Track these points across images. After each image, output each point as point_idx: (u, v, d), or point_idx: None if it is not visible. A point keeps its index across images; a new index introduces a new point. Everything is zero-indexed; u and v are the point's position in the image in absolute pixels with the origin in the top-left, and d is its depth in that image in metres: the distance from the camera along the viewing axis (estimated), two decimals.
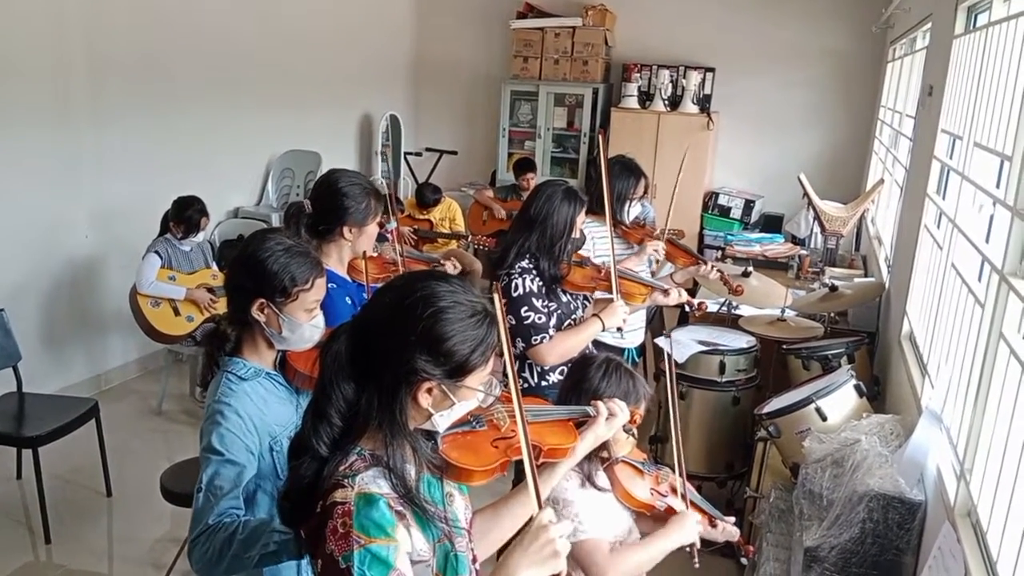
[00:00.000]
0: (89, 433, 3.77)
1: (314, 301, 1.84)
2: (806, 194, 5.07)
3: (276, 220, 5.90)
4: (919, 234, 3.15)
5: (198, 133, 5.48)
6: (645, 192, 3.66)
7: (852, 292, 3.86)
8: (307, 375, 1.88)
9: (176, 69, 5.26)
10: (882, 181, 4.96)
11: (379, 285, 2.74)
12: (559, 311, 2.90)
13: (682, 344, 3.74)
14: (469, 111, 8.09)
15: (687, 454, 3.76)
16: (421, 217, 6.43)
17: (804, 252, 5.33)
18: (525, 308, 2.79)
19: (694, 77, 7.03)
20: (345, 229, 2.37)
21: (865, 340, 3.57)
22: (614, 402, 1.78)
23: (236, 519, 1.68)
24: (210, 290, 4.50)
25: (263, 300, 1.79)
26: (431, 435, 1.41)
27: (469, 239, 6.32)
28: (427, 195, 6.36)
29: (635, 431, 2.04)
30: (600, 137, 3.17)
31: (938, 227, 3.09)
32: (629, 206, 3.59)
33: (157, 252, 4.38)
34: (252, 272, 1.79)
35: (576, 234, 2.98)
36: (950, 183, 3.07)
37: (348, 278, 2.48)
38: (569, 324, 2.91)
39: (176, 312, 4.39)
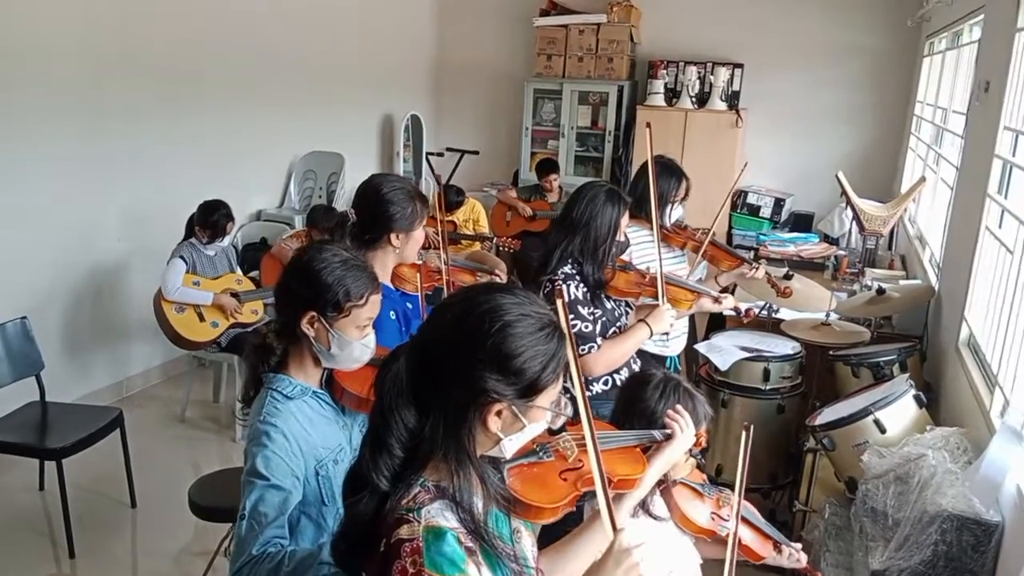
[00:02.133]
0: (113, 442, 3.68)
1: (367, 318, 1.73)
2: (844, 193, 4.92)
3: (299, 222, 5.81)
4: (979, 236, 3.00)
5: (221, 135, 5.40)
6: (686, 194, 3.53)
7: (900, 296, 3.71)
8: (356, 395, 1.77)
9: (203, 71, 5.17)
10: (923, 179, 4.80)
11: (428, 294, 2.64)
12: (604, 318, 2.78)
13: (724, 350, 3.61)
14: (491, 110, 7.97)
15: (727, 464, 3.67)
16: (446, 219, 6.32)
17: (842, 252, 5.18)
18: (571, 317, 2.67)
19: (722, 73, 6.88)
20: (392, 236, 2.26)
21: (917, 346, 3.42)
22: (680, 421, 1.66)
23: (281, 549, 1.57)
24: (235, 295, 4.40)
25: (314, 313, 1.68)
26: (496, 464, 1.30)
27: (494, 240, 6.22)
28: (451, 197, 6.25)
29: (700, 455, 1.91)
30: (648, 129, 3.02)
31: (1000, 227, 2.94)
32: (671, 209, 3.47)
33: (182, 257, 4.28)
34: (305, 283, 1.68)
35: (620, 237, 2.86)
36: (1012, 182, 2.92)
37: (392, 287, 2.36)
38: (614, 331, 2.79)
39: (201, 318, 4.29)
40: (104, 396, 4.74)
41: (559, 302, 1.50)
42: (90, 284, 4.63)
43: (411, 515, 1.16)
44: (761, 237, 5.80)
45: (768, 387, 3.54)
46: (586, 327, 2.67)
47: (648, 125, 3.05)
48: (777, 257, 5.27)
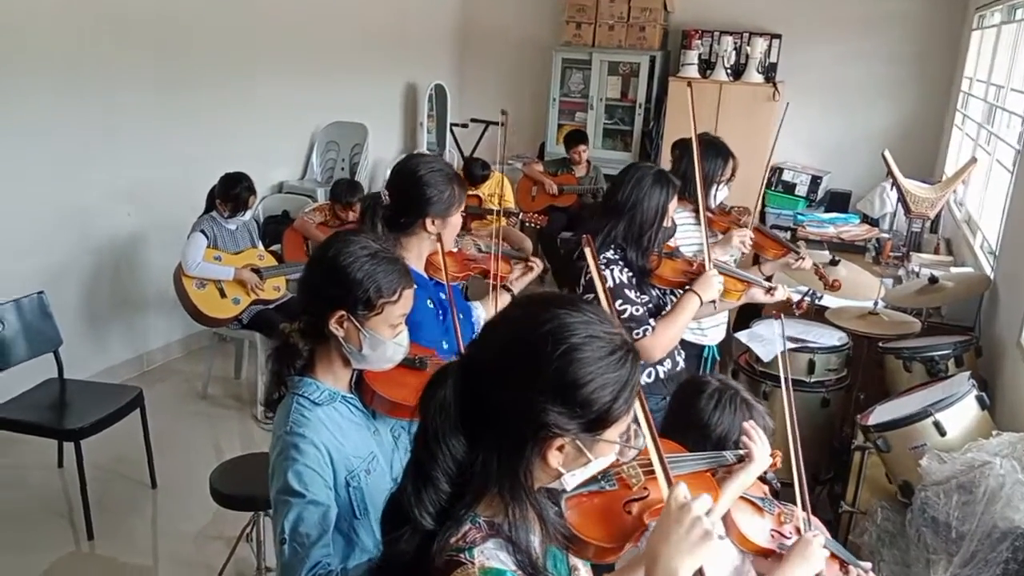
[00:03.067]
0: (133, 420, 3.58)
1: (400, 316, 1.58)
2: (891, 172, 4.70)
3: (321, 195, 5.67)
4: None
5: (240, 105, 5.23)
6: (733, 174, 3.35)
7: (954, 285, 3.52)
8: (388, 399, 1.63)
9: (218, 41, 5.00)
10: (974, 160, 4.57)
11: (459, 285, 2.49)
12: (650, 304, 2.63)
13: (767, 340, 3.45)
14: (516, 81, 7.74)
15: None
16: (469, 193, 6.13)
17: (885, 235, 4.98)
18: (620, 301, 2.52)
19: (759, 44, 6.62)
20: (428, 221, 2.10)
21: (973, 340, 3.24)
22: (758, 442, 1.51)
23: (332, 570, 1.44)
24: (256, 271, 4.28)
25: (343, 312, 1.53)
26: (553, 495, 1.15)
27: (519, 216, 6.05)
28: (476, 171, 6.07)
29: (774, 476, 1.75)
30: (689, 88, 2.82)
31: None
32: (716, 190, 3.29)
33: (203, 231, 4.15)
34: (332, 279, 1.54)
35: (667, 222, 2.69)
36: None
37: (427, 276, 2.22)
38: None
39: (222, 294, 4.17)
40: (123, 371, 4.66)
41: (587, 251, 1.36)
42: (107, 259, 4.52)
43: (463, 556, 1.02)
44: (799, 217, 5.59)
45: (813, 379, 3.38)
46: (636, 310, 2.52)
47: (689, 84, 2.84)
48: (816, 239, 5.07)
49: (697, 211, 3.26)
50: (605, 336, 1.04)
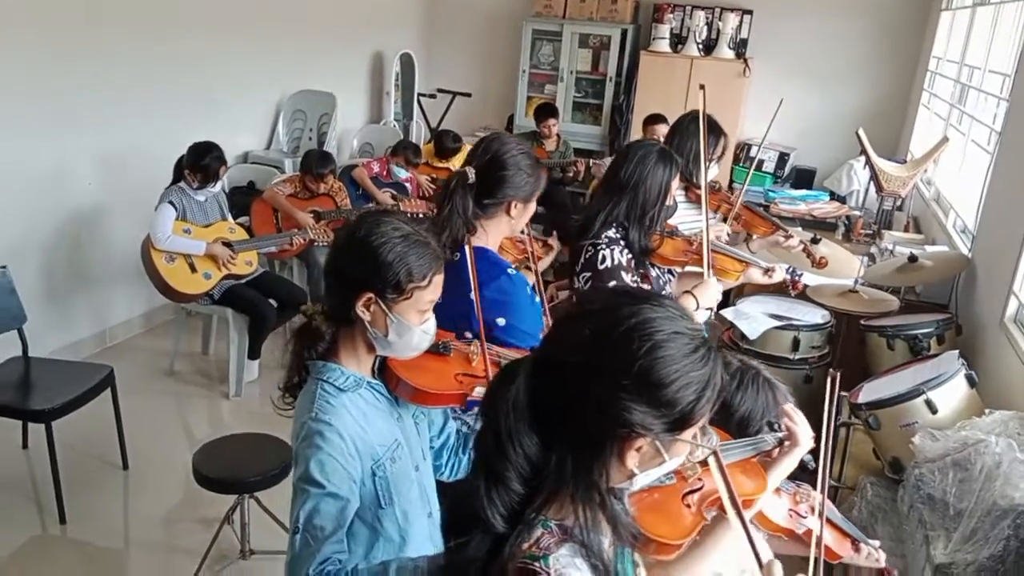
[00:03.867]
0: (101, 399, 3.44)
1: (429, 301, 1.52)
2: (864, 151, 4.74)
3: (289, 166, 5.52)
4: None
5: (202, 72, 5.03)
6: (723, 153, 3.33)
7: (933, 264, 3.57)
8: (412, 386, 1.57)
9: (181, 7, 4.77)
10: (946, 140, 4.64)
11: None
12: (649, 287, 2.60)
13: (752, 317, 3.47)
14: (485, 51, 7.61)
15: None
16: (440, 166, 6.06)
17: (857, 212, 5.04)
18: (613, 283, 2.48)
19: (731, 19, 6.61)
20: (512, 204, 2.03)
21: (955, 318, 3.30)
22: (800, 425, 1.49)
23: (342, 566, 1.39)
24: (228, 244, 4.14)
25: (371, 295, 1.47)
26: (617, 492, 1.12)
27: None
28: (447, 143, 5.99)
29: (811, 458, 1.73)
30: (702, 92, 2.80)
31: None
32: (707, 168, 3.26)
33: (171, 202, 3.99)
34: (362, 260, 1.46)
35: (670, 201, 2.66)
36: None
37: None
38: None
39: (192, 269, 4.03)
40: (86, 348, 4.49)
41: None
42: (67, 231, 4.32)
43: (537, 564, 0.98)
44: (770, 194, 5.62)
45: (797, 357, 3.41)
46: None
47: (702, 87, 2.81)
48: (789, 216, 5.12)
49: (687, 189, 3.27)
50: (688, 332, 1.00)
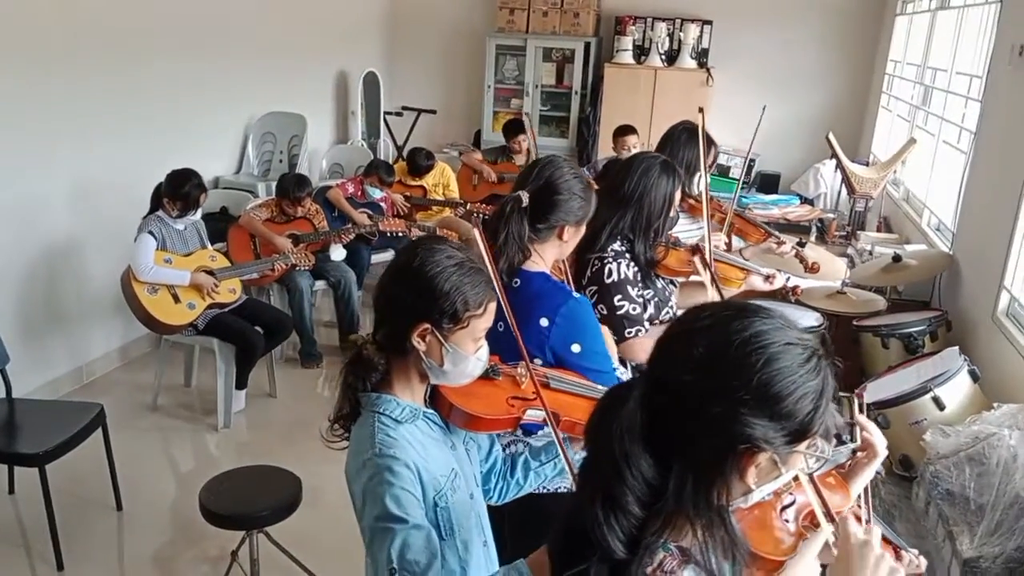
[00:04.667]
0: (90, 438, 3.33)
1: (484, 329, 1.50)
2: (835, 154, 4.85)
3: (263, 190, 5.44)
4: (1022, 203, 2.94)
5: (173, 98, 4.92)
6: (714, 161, 3.37)
7: (918, 263, 3.67)
8: (466, 413, 1.55)
9: (144, 32, 4.66)
10: (914, 141, 4.77)
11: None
12: (656, 298, 2.61)
13: None
14: (449, 67, 7.62)
15: None
16: (413, 184, 6.03)
17: (830, 215, 5.14)
18: (619, 297, 2.49)
19: (692, 30, 6.72)
20: (565, 229, 2.02)
21: (945, 315, 3.38)
22: (873, 432, 1.50)
23: None
24: (210, 273, 4.05)
25: (428, 325, 1.44)
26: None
27: (467, 206, 5.96)
28: (420, 161, 5.96)
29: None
30: (701, 115, 2.84)
31: None
32: (699, 178, 3.30)
33: (151, 232, 3.89)
34: (417, 290, 1.44)
35: (673, 212, 2.69)
36: None
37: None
38: (668, 311, 2.64)
39: (176, 299, 3.93)
40: (64, 385, 4.35)
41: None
42: (40, 265, 4.18)
43: None
44: (743, 200, 5.72)
45: None
46: (634, 309, 2.49)
47: (701, 110, 2.85)
48: (764, 221, 5.19)
49: (682, 199, 3.30)
50: (800, 343, 1.01)
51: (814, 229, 5.18)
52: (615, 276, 2.51)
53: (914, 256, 3.75)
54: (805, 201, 5.95)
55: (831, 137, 4.93)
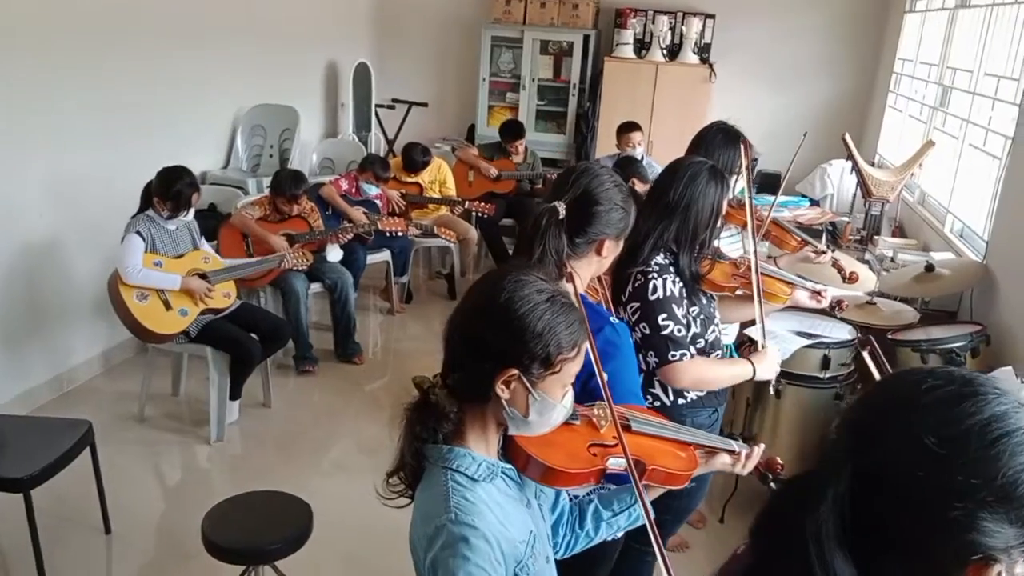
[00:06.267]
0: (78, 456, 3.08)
1: (575, 374, 1.30)
2: (851, 156, 4.70)
3: (253, 186, 5.18)
4: None
5: (154, 91, 4.64)
6: (752, 165, 3.19)
7: (951, 273, 3.52)
8: (544, 464, 1.35)
9: (127, 20, 4.37)
10: (932, 143, 4.63)
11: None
12: (701, 315, 2.42)
13: (779, 336, 3.33)
14: (442, 58, 7.38)
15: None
16: (409, 180, 5.80)
17: (845, 219, 5.00)
18: (664, 316, 2.30)
19: (695, 24, 6.54)
20: (606, 243, 1.82)
21: (986, 330, 3.23)
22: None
23: None
24: (203, 276, 3.80)
25: (516, 371, 1.24)
26: None
27: (465, 204, 5.75)
28: (416, 156, 5.73)
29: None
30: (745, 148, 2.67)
31: None
32: (735, 181, 3.12)
33: (139, 233, 3.64)
34: (506, 332, 1.23)
35: (720, 223, 2.50)
36: None
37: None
38: (714, 329, 2.45)
39: (167, 305, 3.67)
40: (42, 394, 4.08)
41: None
42: (17, 267, 3.90)
43: None
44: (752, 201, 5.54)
45: (827, 375, 3.29)
46: (678, 331, 2.30)
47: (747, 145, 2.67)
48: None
49: None
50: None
51: (825, 233, 5.02)
52: (660, 293, 2.32)
53: (945, 265, 3.60)
54: (811, 203, 5.80)
55: (847, 138, 4.77)
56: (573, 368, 1.28)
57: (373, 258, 5.29)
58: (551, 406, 1.28)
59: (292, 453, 3.89)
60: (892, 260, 4.16)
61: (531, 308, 1.23)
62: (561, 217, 1.73)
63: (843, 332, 3.38)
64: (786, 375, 3.31)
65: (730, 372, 2.41)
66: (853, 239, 4.81)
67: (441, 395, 1.29)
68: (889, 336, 3.35)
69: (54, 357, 4.18)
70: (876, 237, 4.61)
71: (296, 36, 6.09)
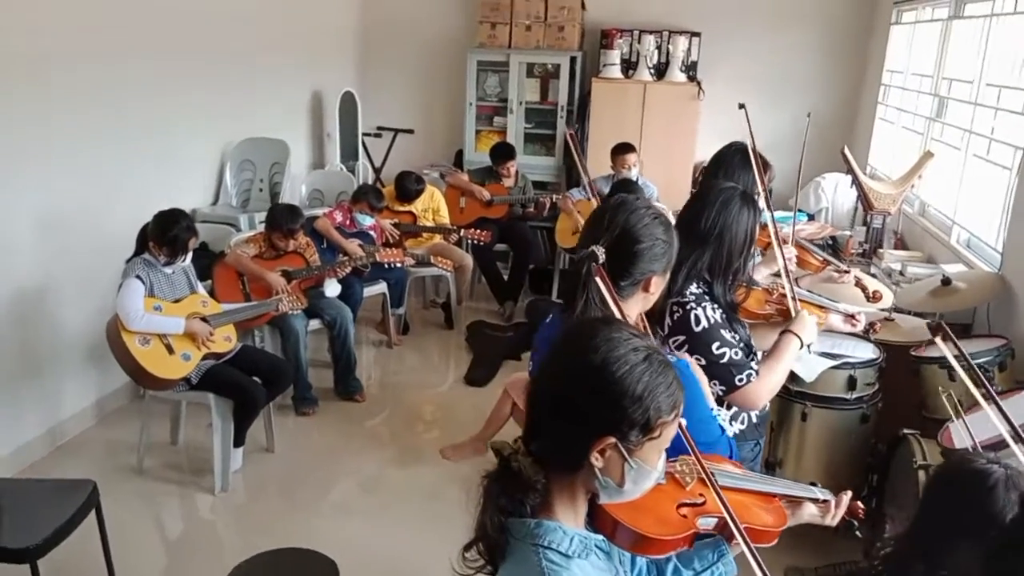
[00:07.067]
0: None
1: (671, 437, 1.20)
2: (851, 169, 4.68)
3: (245, 223, 5.05)
4: None
5: (140, 130, 4.49)
6: (770, 182, 3.14)
7: (968, 286, 3.48)
8: (634, 531, 1.25)
9: (109, 57, 4.24)
10: (930, 154, 4.62)
11: None
12: (742, 343, 2.34)
13: (803, 358, 3.24)
14: (427, 84, 7.30)
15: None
16: (402, 210, 5.70)
17: (846, 232, 4.97)
18: (717, 344, 2.21)
19: (681, 42, 6.52)
20: (653, 280, 1.73)
21: (1011, 343, 3.19)
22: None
23: None
24: (204, 320, 3.67)
25: (613, 440, 1.14)
26: None
27: (460, 233, 5.66)
28: (409, 185, 5.64)
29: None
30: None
31: None
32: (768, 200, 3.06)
33: (139, 277, 3.50)
34: (604, 398, 1.13)
35: (754, 249, 2.43)
36: None
37: None
38: (755, 360, 2.37)
39: (170, 350, 3.53)
40: (37, 449, 3.92)
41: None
42: (10, 314, 3.74)
43: None
44: None
45: (854, 396, 3.23)
46: (735, 353, 2.23)
47: (742, 106, 2.62)
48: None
49: None
50: None
51: (826, 248, 4.99)
52: (705, 323, 2.23)
53: (961, 278, 3.56)
54: (809, 218, 5.78)
55: (847, 151, 4.75)
56: (671, 431, 1.19)
57: (369, 290, 5.18)
58: (647, 474, 1.18)
59: (298, 500, 3.75)
60: (901, 273, 4.13)
61: (629, 370, 1.13)
62: (602, 261, 1.64)
63: (867, 351, 3.32)
64: (812, 397, 3.25)
65: (785, 358, 2.32)
66: (856, 253, 4.78)
67: (525, 463, 1.18)
68: (912, 353, 3.30)
69: (47, 408, 4.01)
70: (880, 250, 4.58)
71: (280, 68, 5.98)
